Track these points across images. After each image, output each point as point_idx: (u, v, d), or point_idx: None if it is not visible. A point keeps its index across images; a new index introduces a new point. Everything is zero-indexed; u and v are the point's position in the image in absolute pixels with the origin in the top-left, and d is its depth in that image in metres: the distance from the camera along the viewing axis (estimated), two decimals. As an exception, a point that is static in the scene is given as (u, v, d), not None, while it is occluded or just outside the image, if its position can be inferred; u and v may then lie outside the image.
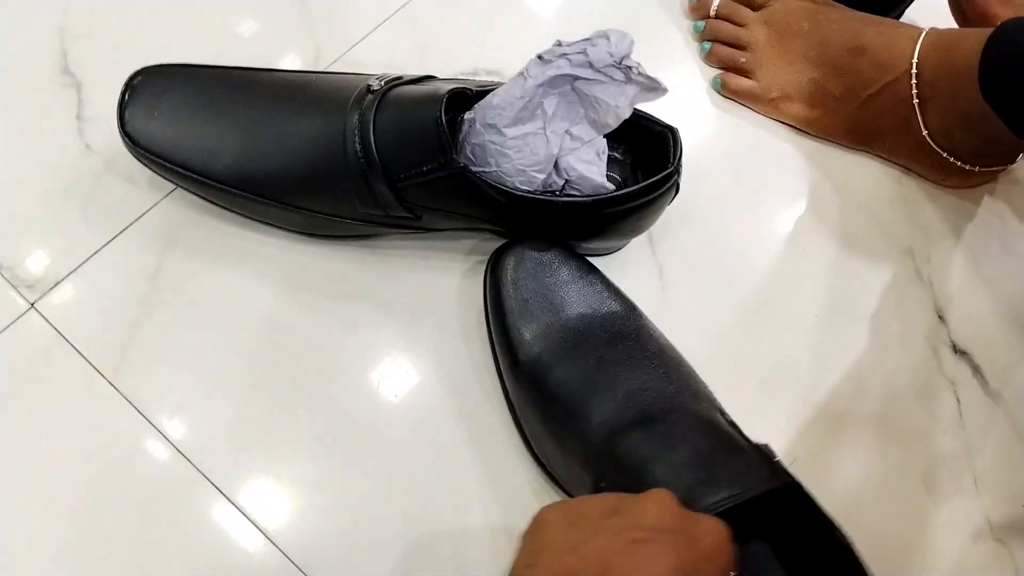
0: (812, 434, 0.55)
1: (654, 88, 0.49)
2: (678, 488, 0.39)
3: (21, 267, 0.53)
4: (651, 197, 0.51)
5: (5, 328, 0.52)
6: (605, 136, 0.52)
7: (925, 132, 0.61)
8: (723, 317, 0.58)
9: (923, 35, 0.60)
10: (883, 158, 0.64)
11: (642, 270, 0.58)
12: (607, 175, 0.53)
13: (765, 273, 0.59)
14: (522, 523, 0.36)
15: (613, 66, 0.48)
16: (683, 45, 0.66)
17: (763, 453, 0.42)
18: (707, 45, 0.66)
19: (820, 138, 0.64)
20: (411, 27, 0.63)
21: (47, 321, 0.52)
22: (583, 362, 0.49)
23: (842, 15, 0.63)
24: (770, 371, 0.56)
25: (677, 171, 0.51)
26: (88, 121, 0.56)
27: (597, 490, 0.45)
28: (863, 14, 0.63)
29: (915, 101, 0.60)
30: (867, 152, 0.65)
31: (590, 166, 0.51)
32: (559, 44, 0.49)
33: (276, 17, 0.62)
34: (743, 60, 0.65)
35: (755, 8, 0.65)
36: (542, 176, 0.51)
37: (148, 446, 0.50)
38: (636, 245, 0.58)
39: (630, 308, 0.52)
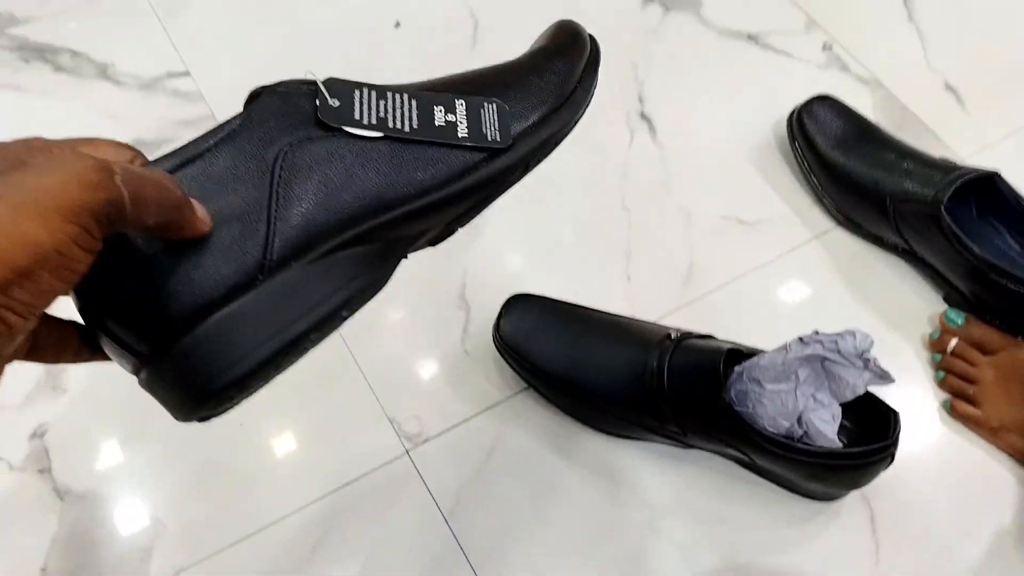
0: None
1: (884, 377, 0.67)
2: None
3: (407, 422, 0.77)
4: (870, 460, 0.67)
5: (384, 464, 0.75)
6: (840, 405, 0.69)
7: None
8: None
9: None
10: None
11: (852, 520, 0.73)
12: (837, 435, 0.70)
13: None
14: None
15: (856, 356, 0.66)
16: (919, 365, 0.82)
17: None
18: (941, 374, 0.81)
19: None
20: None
21: (414, 465, 0.75)
22: None
23: None
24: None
25: (894, 444, 0.67)
26: (470, 335, 0.81)
27: None
28: None
29: None
30: None
31: (826, 425, 0.68)
32: (816, 332, 0.68)
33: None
34: (971, 391, 0.78)
35: (985, 353, 0.80)
36: (787, 424, 0.68)
37: None
38: (851, 497, 0.73)
39: None
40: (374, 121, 0.41)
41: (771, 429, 0.68)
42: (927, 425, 0.79)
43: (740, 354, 0.70)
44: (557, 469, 0.75)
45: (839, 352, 0.66)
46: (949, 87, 0.99)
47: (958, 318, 0.81)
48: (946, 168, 0.81)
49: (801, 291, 0.85)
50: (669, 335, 0.73)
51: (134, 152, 0.36)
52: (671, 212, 0.89)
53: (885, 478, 0.69)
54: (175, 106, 0.92)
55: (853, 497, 0.73)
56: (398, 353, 0.80)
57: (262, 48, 0.96)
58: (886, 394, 0.69)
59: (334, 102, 0.41)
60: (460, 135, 0.42)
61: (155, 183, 0.31)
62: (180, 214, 0.33)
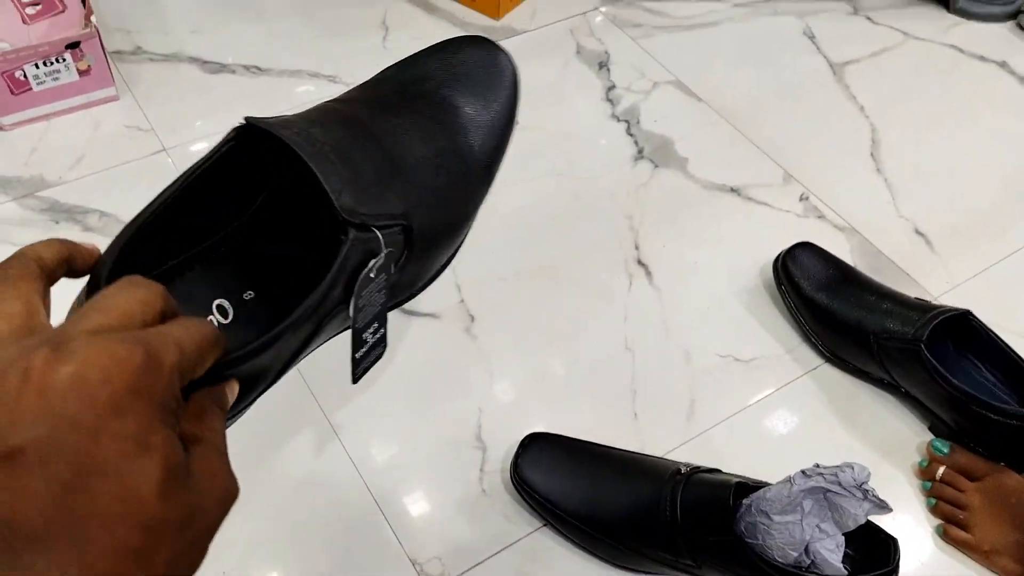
0: None
1: (883, 507, 0.71)
2: None
3: (429, 563, 0.79)
4: (875, 586, 0.71)
5: None
6: (843, 535, 0.73)
7: None
8: None
9: None
10: None
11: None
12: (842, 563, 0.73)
13: None
14: None
15: (855, 487, 0.71)
16: (911, 492, 0.87)
17: None
18: (932, 500, 0.85)
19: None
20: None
21: None
22: None
23: None
24: None
25: (895, 570, 0.71)
26: (487, 473, 0.85)
27: None
28: None
29: None
30: None
31: (832, 554, 0.72)
32: (817, 466, 0.72)
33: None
34: (961, 516, 0.83)
35: (972, 479, 0.84)
36: (795, 554, 0.72)
37: None
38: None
39: None
40: (358, 307, 0.44)
41: (781, 560, 0.71)
42: (923, 549, 0.83)
43: (747, 487, 0.74)
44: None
45: (840, 484, 0.71)
46: (919, 232, 1.08)
47: (944, 447, 0.86)
48: (923, 308, 0.88)
49: (796, 424, 0.90)
50: (679, 470, 0.77)
51: (159, 287, 0.35)
52: (671, 352, 0.95)
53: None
54: (202, 261, 0.98)
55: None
56: (419, 495, 0.83)
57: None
58: (884, 520, 0.73)
59: (372, 274, 0.43)
60: (356, 355, 0.46)
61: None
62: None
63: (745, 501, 0.73)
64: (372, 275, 0.42)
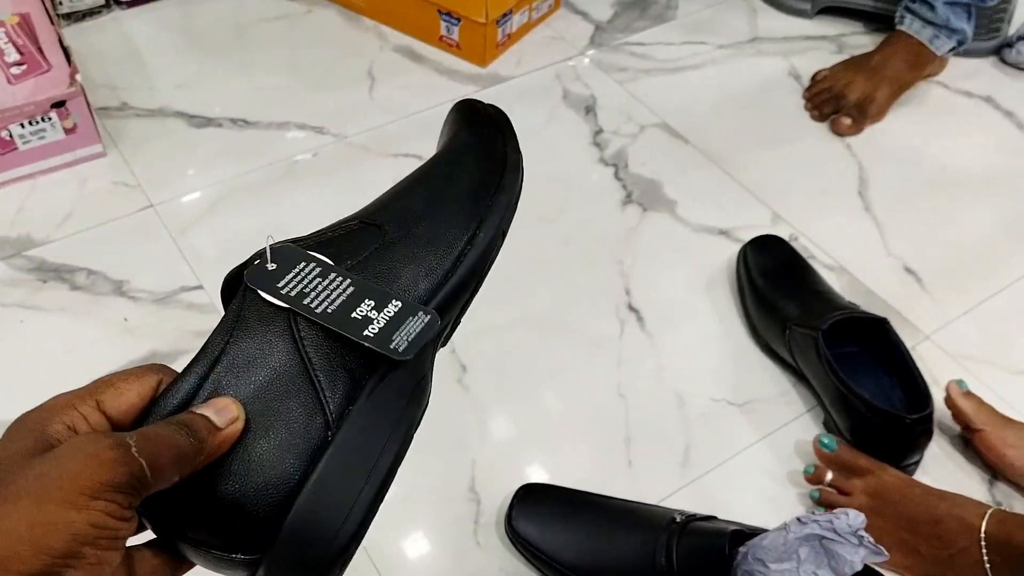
0: None
1: (878, 553, 0.70)
2: None
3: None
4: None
5: None
6: (842, 582, 0.72)
7: None
8: None
9: (988, 514, 0.77)
10: None
11: None
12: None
13: None
14: None
15: (851, 533, 0.70)
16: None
17: None
18: (822, 509, 0.84)
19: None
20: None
21: None
22: None
23: (922, 491, 0.82)
24: None
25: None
26: (482, 526, 0.83)
27: None
28: (940, 490, 0.82)
29: (987, 566, 0.75)
30: None
31: (830, 602, 0.70)
32: (813, 513, 0.71)
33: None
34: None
35: (855, 476, 0.85)
36: (793, 603, 0.71)
37: None
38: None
39: None
40: (292, 294, 0.42)
41: (779, 609, 0.70)
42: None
43: (743, 534, 0.73)
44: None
45: (835, 531, 0.70)
46: (908, 270, 1.08)
47: (831, 443, 0.87)
48: (842, 307, 0.92)
49: (793, 467, 0.89)
50: (674, 518, 0.76)
51: (160, 373, 0.39)
52: (664, 397, 0.94)
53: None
54: (189, 318, 0.97)
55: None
56: (413, 550, 0.82)
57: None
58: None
59: (272, 266, 0.42)
60: (366, 333, 0.42)
61: (168, 445, 0.34)
62: (202, 456, 0.35)
63: (741, 549, 0.72)
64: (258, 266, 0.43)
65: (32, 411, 0.35)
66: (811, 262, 1.07)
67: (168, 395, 0.38)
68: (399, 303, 0.43)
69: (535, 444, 0.90)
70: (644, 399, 0.94)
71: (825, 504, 0.85)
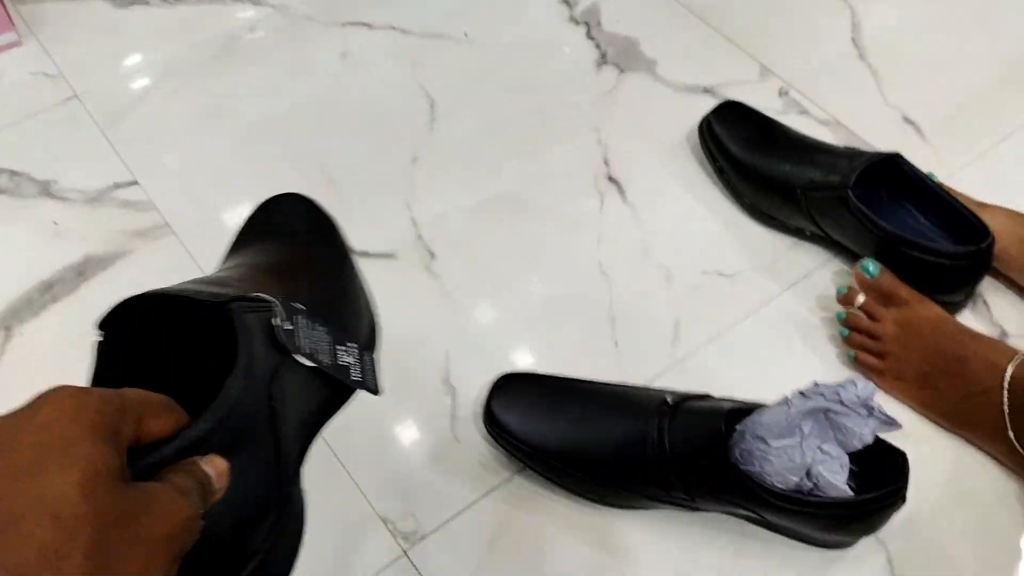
0: None
1: (891, 424, 0.64)
2: None
3: (401, 520, 0.72)
4: (883, 505, 0.65)
5: (383, 569, 0.70)
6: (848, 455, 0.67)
7: (1012, 435, 0.72)
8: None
9: (1018, 358, 0.73)
10: (975, 446, 0.77)
11: (870, 564, 0.71)
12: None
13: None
14: None
15: (860, 404, 0.64)
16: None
17: None
18: (846, 331, 0.81)
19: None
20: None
21: (414, 566, 0.70)
22: None
23: (956, 329, 0.78)
24: None
25: (904, 486, 0.65)
26: (459, 419, 0.78)
27: None
28: (974, 331, 0.78)
29: (1006, 409, 0.72)
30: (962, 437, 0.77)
31: (836, 475, 0.65)
32: (816, 384, 0.65)
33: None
34: (873, 345, 0.80)
35: (892, 305, 0.80)
36: (796, 479, 0.65)
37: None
38: (866, 541, 0.71)
39: None
40: (308, 351, 0.47)
41: (780, 485, 0.65)
42: (934, 456, 0.77)
43: (740, 412, 0.67)
44: (565, 550, 0.71)
45: (842, 402, 0.64)
46: (908, 120, 1.00)
47: (875, 269, 0.82)
48: (851, 156, 0.85)
49: (791, 338, 0.83)
50: (666, 400, 0.70)
51: (177, 413, 0.38)
52: (651, 272, 0.87)
53: (897, 517, 0.67)
54: (125, 217, 0.88)
55: (868, 540, 0.71)
56: (386, 450, 0.76)
57: (210, 149, 0.93)
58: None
59: (287, 325, 0.45)
60: (353, 377, 0.50)
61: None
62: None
63: (739, 427, 0.67)
64: (281, 324, 0.45)
65: (22, 407, 0.33)
66: (803, 117, 0.99)
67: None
68: (354, 345, 0.51)
69: (512, 331, 0.83)
70: (628, 276, 0.87)
71: (851, 326, 0.81)
